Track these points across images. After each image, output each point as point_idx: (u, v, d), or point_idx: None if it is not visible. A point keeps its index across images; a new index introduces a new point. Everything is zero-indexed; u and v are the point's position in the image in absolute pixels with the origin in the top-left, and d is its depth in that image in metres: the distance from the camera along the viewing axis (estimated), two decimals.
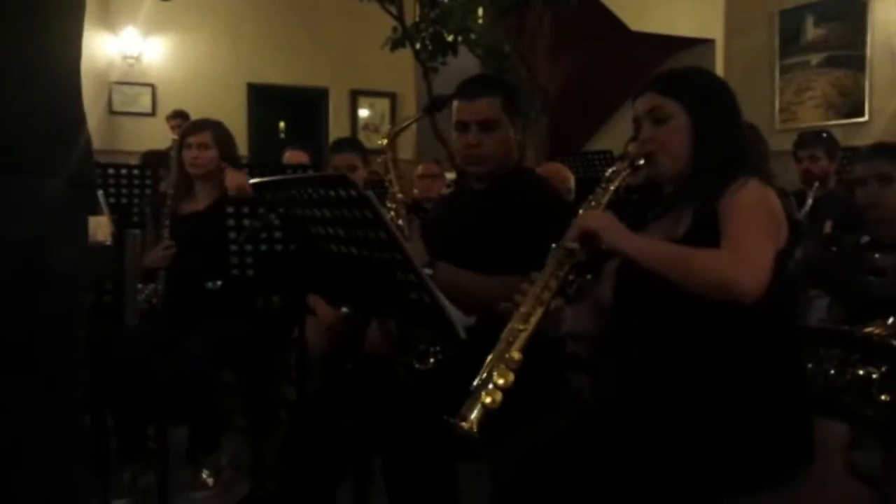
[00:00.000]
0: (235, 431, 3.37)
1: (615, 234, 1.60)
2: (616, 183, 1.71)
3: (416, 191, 4.76)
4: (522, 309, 1.54)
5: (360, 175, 3.45)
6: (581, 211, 1.69)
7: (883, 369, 1.96)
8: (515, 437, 1.69)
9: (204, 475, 2.99)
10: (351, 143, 3.77)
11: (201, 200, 3.14)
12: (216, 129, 3.16)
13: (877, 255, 1.90)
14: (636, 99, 1.75)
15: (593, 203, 1.69)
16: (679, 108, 1.69)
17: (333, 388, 2.20)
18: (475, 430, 1.39)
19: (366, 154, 3.60)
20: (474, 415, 1.40)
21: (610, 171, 1.75)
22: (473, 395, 1.43)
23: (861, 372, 2.05)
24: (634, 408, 1.64)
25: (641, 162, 1.71)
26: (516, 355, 1.47)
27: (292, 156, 4.82)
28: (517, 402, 1.47)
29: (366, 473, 2.03)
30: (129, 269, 2.47)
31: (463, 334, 1.54)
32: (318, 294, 2.61)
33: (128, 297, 2.51)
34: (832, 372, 2.10)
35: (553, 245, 1.63)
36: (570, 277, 1.61)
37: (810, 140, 4.06)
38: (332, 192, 1.53)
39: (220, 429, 3.12)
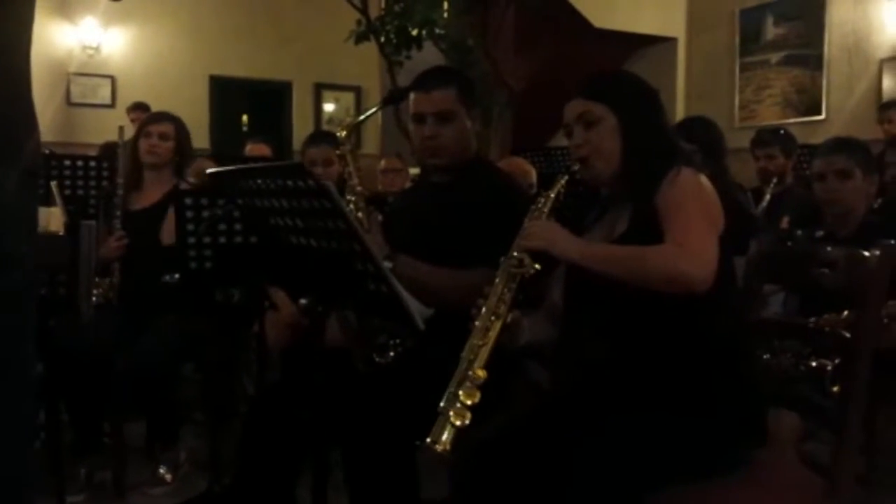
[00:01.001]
0: (194, 425, 3.34)
1: (562, 244, 1.64)
2: (556, 189, 1.77)
3: (379, 186, 4.75)
4: (479, 324, 1.57)
5: (335, 170, 3.37)
6: (526, 220, 1.73)
7: (836, 361, 2.00)
8: (473, 427, 1.70)
9: (161, 470, 2.96)
10: (327, 137, 3.64)
11: (152, 193, 3.11)
12: (178, 124, 3.15)
13: (829, 248, 1.93)
14: (565, 106, 1.79)
15: (536, 213, 1.75)
16: (606, 110, 1.73)
17: (292, 380, 2.19)
18: (448, 450, 1.42)
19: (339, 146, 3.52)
20: (446, 437, 1.43)
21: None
22: (442, 416, 1.45)
23: (815, 364, 2.09)
24: (590, 399, 1.65)
25: (577, 167, 1.75)
26: (480, 373, 1.50)
27: (254, 148, 4.78)
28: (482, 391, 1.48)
29: (325, 467, 2.01)
30: (84, 262, 2.43)
31: (422, 326, 1.54)
32: (279, 286, 2.59)
33: (83, 289, 2.47)
34: (787, 363, 2.14)
35: (501, 258, 1.66)
36: (523, 288, 1.63)
37: (767, 139, 4.14)
38: (289, 182, 1.51)
39: (178, 423, 3.09)
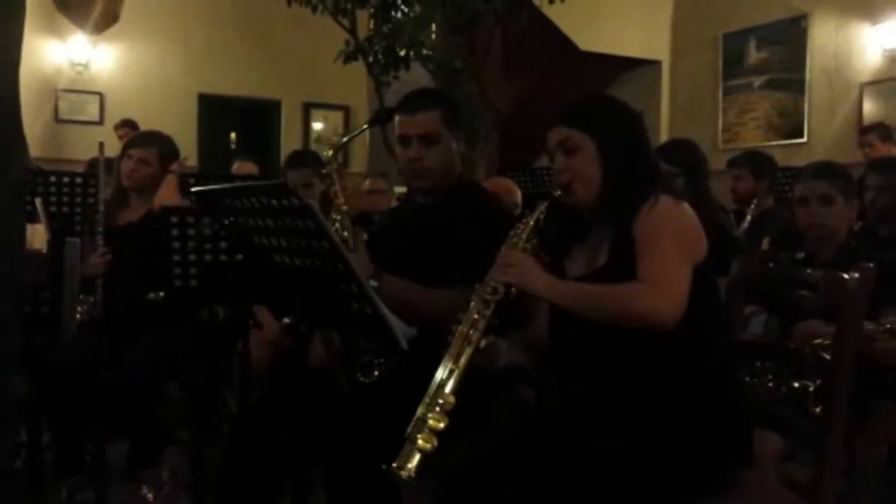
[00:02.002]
0: (178, 445, 3.31)
1: (535, 282, 1.66)
2: (536, 216, 1.77)
3: (364, 206, 4.76)
4: (451, 350, 1.58)
5: (316, 191, 3.37)
6: (503, 248, 1.74)
7: (817, 382, 2.01)
8: (457, 449, 1.70)
9: (144, 491, 2.93)
10: (306, 159, 3.66)
11: (137, 211, 3.10)
12: (161, 146, 3.11)
13: (808, 271, 1.95)
14: (546, 132, 1.81)
15: (514, 240, 1.75)
16: (586, 138, 1.74)
17: (275, 400, 2.18)
18: (414, 476, 1.43)
19: (323, 167, 3.50)
20: (413, 463, 1.44)
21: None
22: (409, 441, 1.47)
23: (797, 384, 2.10)
24: (576, 421, 1.66)
25: (558, 193, 1.77)
26: (450, 398, 1.51)
27: (241, 167, 4.79)
28: (458, 415, 1.48)
29: (306, 487, 2.01)
30: (68, 279, 2.42)
31: (405, 346, 1.55)
32: (264, 305, 2.59)
33: (66, 307, 2.46)
34: (770, 384, 2.15)
35: (476, 285, 1.67)
36: (498, 313, 1.64)
37: (738, 161, 4.26)
38: (273, 202, 1.52)
39: (161, 442, 3.07)
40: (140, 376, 2.75)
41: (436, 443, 1.46)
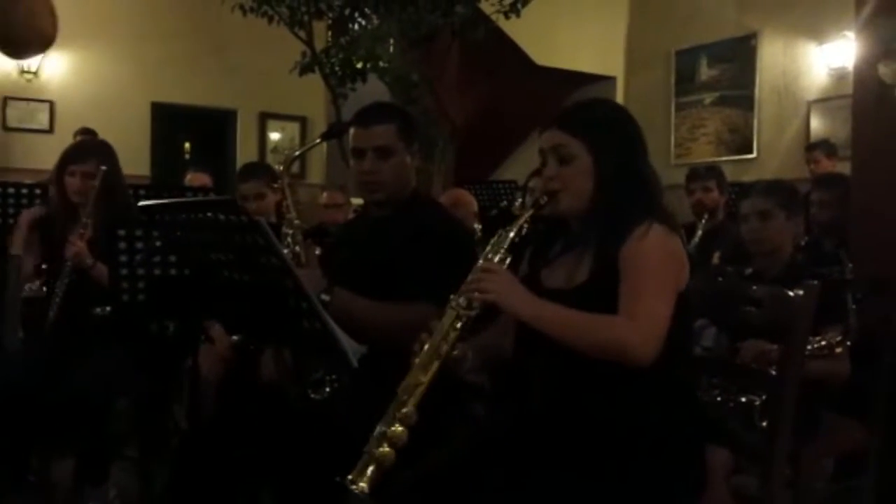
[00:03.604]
0: (125, 462, 3.24)
1: (512, 299, 1.59)
2: (518, 226, 1.68)
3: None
4: (419, 361, 1.54)
5: (270, 202, 3.33)
6: (482, 258, 1.66)
7: (763, 397, 2.05)
8: (409, 466, 1.69)
9: None
10: (257, 171, 3.57)
11: (88, 228, 3.01)
12: (102, 157, 2.96)
13: (754, 287, 1.99)
14: (542, 132, 1.73)
15: (494, 249, 1.66)
16: (582, 148, 1.67)
17: (225, 417, 2.15)
18: (367, 492, 1.40)
19: (276, 178, 3.46)
20: (367, 477, 1.41)
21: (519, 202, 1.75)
22: (366, 455, 1.43)
23: (744, 399, 2.13)
24: (528, 443, 1.63)
25: (545, 200, 1.70)
26: (412, 411, 1.47)
27: (194, 178, 4.73)
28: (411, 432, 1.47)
29: None
30: (10, 293, 2.36)
31: (355, 363, 1.54)
32: (214, 320, 2.55)
33: (8, 320, 2.40)
34: (718, 399, 2.18)
35: (451, 297, 1.60)
36: (468, 329, 1.59)
37: (702, 173, 4.26)
38: (222, 217, 1.51)
39: (108, 459, 3.00)
40: (87, 392, 2.69)
41: (393, 457, 1.43)
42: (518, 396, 1.75)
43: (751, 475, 2.02)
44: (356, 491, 1.40)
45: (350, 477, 1.42)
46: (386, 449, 1.43)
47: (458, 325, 1.57)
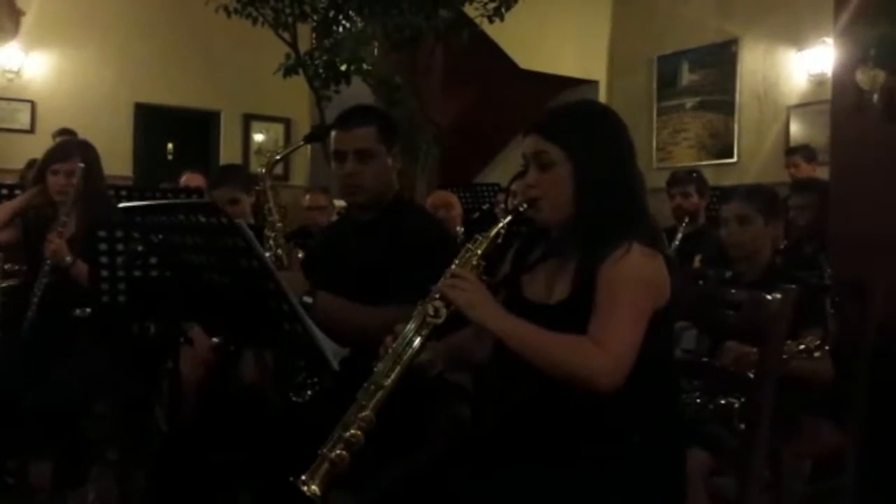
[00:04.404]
0: (105, 464, 3.22)
1: (482, 312, 1.53)
2: (495, 231, 1.63)
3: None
4: (381, 367, 1.51)
5: (244, 206, 3.29)
6: (455, 262, 1.61)
7: (742, 400, 2.07)
8: (388, 466, 1.69)
9: None
10: (228, 176, 3.52)
11: (67, 226, 3.00)
12: (85, 155, 2.99)
13: (733, 291, 2.01)
14: (524, 136, 1.67)
15: (468, 255, 1.61)
16: (562, 156, 1.60)
17: (205, 420, 2.14)
18: (319, 493, 1.38)
19: (251, 182, 3.42)
20: (319, 479, 1.40)
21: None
22: (320, 457, 1.42)
23: (723, 402, 2.15)
24: (512, 439, 1.63)
25: (524, 207, 1.65)
26: (371, 416, 1.45)
27: (190, 178, 4.72)
28: (390, 431, 1.47)
29: None
30: None
31: (336, 366, 1.54)
32: (195, 322, 2.54)
33: None
34: (698, 401, 2.20)
35: (419, 302, 1.56)
36: (434, 335, 1.56)
37: (682, 178, 4.30)
38: (202, 220, 1.50)
39: (87, 462, 2.98)
40: (67, 394, 2.67)
41: (347, 459, 1.41)
42: (499, 390, 1.73)
43: (729, 476, 2.03)
44: (308, 493, 1.38)
45: (303, 478, 1.40)
46: (341, 452, 1.42)
47: (424, 332, 1.53)
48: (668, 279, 1.58)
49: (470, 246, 1.63)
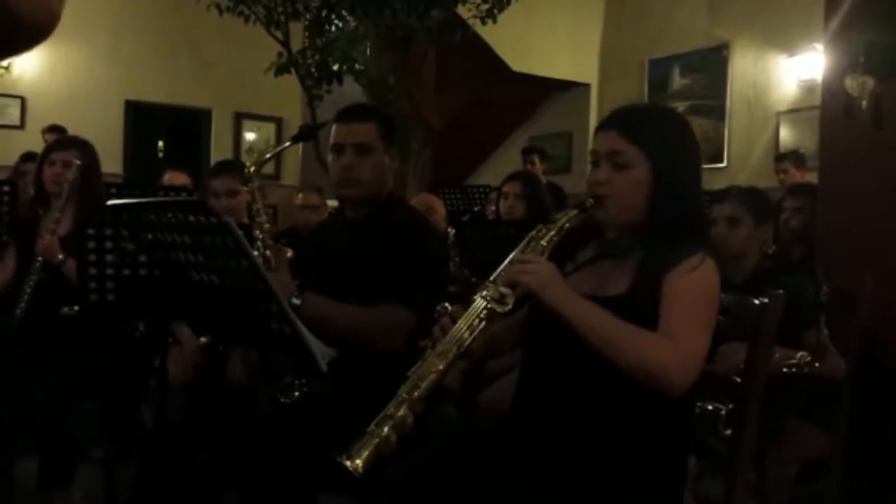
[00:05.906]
0: (92, 463, 3.21)
1: (555, 293, 1.49)
2: (563, 222, 1.60)
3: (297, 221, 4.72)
4: (439, 348, 1.46)
5: (242, 199, 3.30)
6: (519, 251, 1.57)
7: (729, 406, 2.07)
8: (386, 467, 1.68)
9: None
10: (230, 166, 3.50)
11: (62, 223, 2.99)
12: (84, 150, 3.02)
13: (722, 295, 2.01)
14: (598, 132, 1.64)
15: (533, 245, 1.58)
16: (641, 158, 1.57)
17: (192, 421, 2.14)
18: (360, 471, 1.34)
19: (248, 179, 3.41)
20: (363, 457, 1.35)
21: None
22: (368, 435, 1.37)
23: (710, 407, 2.16)
24: (519, 436, 1.60)
25: (591, 203, 1.60)
26: (422, 398, 1.40)
27: (173, 177, 4.68)
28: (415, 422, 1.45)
29: None
30: None
31: (324, 368, 1.54)
32: (183, 321, 2.54)
33: None
34: None
35: (486, 283, 1.51)
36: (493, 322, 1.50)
37: None
38: (191, 218, 1.50)
39: (74, 461, 2.96)
40: (54, 393, 2.66)
41: (395, 440, 1.36)
42: (518, 392, 1.68)
43: (715, 479, 2.04)
44: (350, 468, 1.34)
45: (346, 454, 1.35)
46: (389, 432, 1.37)
47: (483, 315, 1.47)
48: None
49: (534, 234, 1.60)
